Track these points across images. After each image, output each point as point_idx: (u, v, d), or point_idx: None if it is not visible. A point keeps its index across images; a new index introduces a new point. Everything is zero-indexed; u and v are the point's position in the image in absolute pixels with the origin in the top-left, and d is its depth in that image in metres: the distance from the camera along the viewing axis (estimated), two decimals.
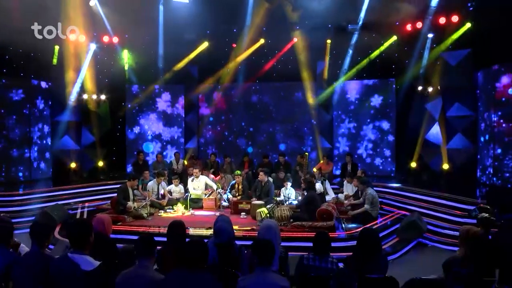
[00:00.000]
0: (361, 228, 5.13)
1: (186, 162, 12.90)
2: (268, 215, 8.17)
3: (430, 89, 11.85)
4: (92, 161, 13.38)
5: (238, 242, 4.66)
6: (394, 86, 13.21)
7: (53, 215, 8.81)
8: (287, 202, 9.24)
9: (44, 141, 12.69)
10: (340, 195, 10.45)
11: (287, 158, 12.47)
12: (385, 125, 13.35)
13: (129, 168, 13.97)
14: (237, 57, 13.55)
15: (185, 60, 13.66)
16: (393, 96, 13.22)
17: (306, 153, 10.71)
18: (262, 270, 3.48)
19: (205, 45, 13.47)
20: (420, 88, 12.09)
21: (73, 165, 12.74)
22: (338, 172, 12.85)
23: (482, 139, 10.84)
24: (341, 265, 4.48)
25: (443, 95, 11.59)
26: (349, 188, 10.50)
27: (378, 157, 13.45)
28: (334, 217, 8.22)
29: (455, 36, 10.85)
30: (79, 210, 9.68)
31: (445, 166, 11.11)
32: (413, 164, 11.98)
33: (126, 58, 13.72)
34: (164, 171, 10.17)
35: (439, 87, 11.58)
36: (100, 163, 13.21)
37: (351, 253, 4.58)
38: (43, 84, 12.74)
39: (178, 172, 11.78)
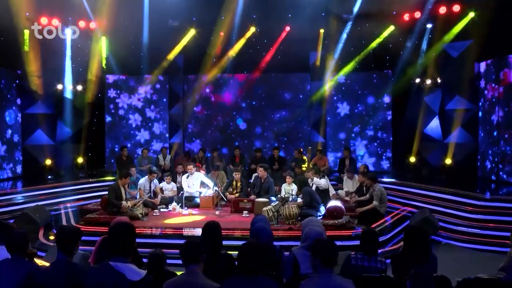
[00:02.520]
0: (408, 226, 5.02)
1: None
2: (276, 213, 7.97)
3: (428, 81, 11.94)
4: (68, 158, 12.72)
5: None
6: (390, 78, 13.25)
7: (35, 217, 8.26)
8: (290, 199, 9.05)
9: (14, 136, 11.95)
10: (340, 191, 10.34)
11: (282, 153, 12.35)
12: (381, 118, 13.39)
13: (108, 165, 13.47)
14: (225, 46, 13.22)
15: (174, 51, 13.21)
16: (389, 89, 13.27)
17: (309, 148, 10.58)
18: (326, 272, 3.33)
19: (191, 33, 13.04)
20: (418, 80, 12.17)
21: (48, 162, 12.06)
22: (335, 167, 12.78)
23: (483, 132, 11.04)
24: (388, 261, 4.38)
25: (443, 87, 11.72)
26: (349, 184, 10.44)
27: (374, 152, 13.50)
28: (344, 215, 8.13)
29: (458, 27, 10.92)
30: (62, 211, 9.12)
31: (448, 161, 11.24)
32: (412, 159, 12.06)
33: (104, 45, 13.11)
34: (154, 168, 9.78)
35: (438, 79, 11.69)
36: (79, 160, 12.56)
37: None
38: (12, 73, 11.98)
39: (166, 169, 11.39)
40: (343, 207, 8.32)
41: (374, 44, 12.60)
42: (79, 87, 12.83)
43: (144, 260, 4.50)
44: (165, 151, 12.12)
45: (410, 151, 12.31)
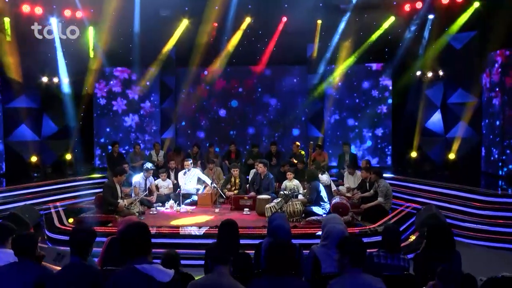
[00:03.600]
0: (431, 223, 5.02)
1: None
2: (279, 210, 7.93)
3: (429, 74, 11.97)
4: (55, 154, 12.45)
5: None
6: (390, 70, 13.23)
7: (24, 217, 8.06)
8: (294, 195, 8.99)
9: None
10: (341, 188, 10.33)
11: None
12: (380, 112, 13.40)
13: (101, 161, 13.34)
14: (219, 37, 13.09)
15: (170, 43, 13.03)
16: (388, 82, 13.29)
17: (311, 142, 10.51)
18: (354, 271, 3.34)
19: (185, 23, 12.85)
20: (418, 73, 12.19)
21: (33, 159, 11.78)
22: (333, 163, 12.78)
23: (487, 126, 11.11)
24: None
25: (445, 80, 11.77)
26: (350, 180, 10.44)
27: (373, 147, 13.53)
28: (349, 211, 8.13)
29: (463, 19, 10.87)
30: (52, 210, 8.93)
31: (451, 156, 11.31)
32: (413, 154, 12.13)
33: (91, 36, 12.83)
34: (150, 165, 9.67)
35: (440, 71, 11.73)
36: (65, 156, 12.32)
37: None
38: None
39: (160, 165, 11.26)
40: (348, 204, 8.33)
41: (375, 36, 12.53)
42: (66, 80, 12.55)
43: (155, 261, 4.42)
44: (158, 147, 11.98)
45: (410, 146, 12.36)
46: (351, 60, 13.08)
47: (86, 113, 13.47)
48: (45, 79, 12.30)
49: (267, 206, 8.10)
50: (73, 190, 10.48)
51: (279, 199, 8.41)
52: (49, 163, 12.30)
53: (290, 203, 8.08)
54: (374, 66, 13.47)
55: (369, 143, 13.56)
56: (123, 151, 12.76)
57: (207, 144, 12.70)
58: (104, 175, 11.34)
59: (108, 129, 13.58)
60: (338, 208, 8.09)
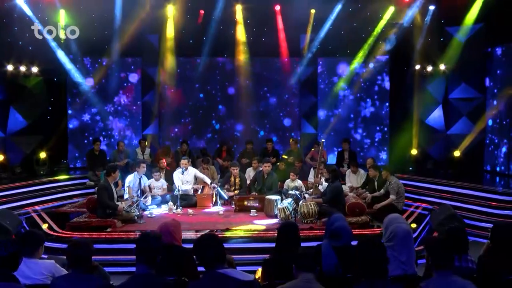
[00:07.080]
0: (496, 223, 5.07)
1: None
2: (293, 211, 7.89)
3: (429, 68, 12.24)
4: (23, 152, 11.89)
5: None
6: (388, 64, 13.49)
7: (5, 224, 7.62)
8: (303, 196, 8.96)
9: None
10: (343, 187, 10.39)
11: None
12: (377, 108, 13.66)
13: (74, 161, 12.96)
14: (206, 24, 12.93)
15: (170, 33, 12.80)
16: (386, 76, 13.52)
17: (322, 140, 10.47)
18: (443, 274, 3.37)
19: (171, 10, 12.58)
20: (418, 67, 12.43)
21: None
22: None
23: (491, 123, 11.50)
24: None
25: (447, 75, 12.09)
26: (353, 179, 10.55)
27: (370, 144, 13.75)
28: (366, 211, 8.21)
29: (473, 14, 11.11)
30: (33, 214, 8.52)
31: (456, 153, 11.60)
32: (413, 152, 12.39)
33: (62, 20, 12.31)
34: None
35: (442, 65, 12.02)
36: (37, 154, 11.76)
37: None
38: None
39: (147, 164, 10.97)
40: (364, 204, 8.41)
41: (379, 28, 12.67)
42: (34, 69, 11.99)
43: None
44: (144, 144, 11.68)
45: (410, 143, 12.62)
46: (360, 55, 13.15)
47: (57, 106, 12.95)
48: (10, 67, 11.67)
49: (280, 207, 8.06)
50: (53, 192, 10.09)
51: (289, 199, 8.40)
52: (17, 162, 11.68)
53: (304, 203, 8.05)
54: (372, 60, 13.51)
55: (365, 139, 13.75)
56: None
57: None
58: (87, 175, 11.01)
59: (84, 124, 13.24)
60: (354, 208, 8.17)
